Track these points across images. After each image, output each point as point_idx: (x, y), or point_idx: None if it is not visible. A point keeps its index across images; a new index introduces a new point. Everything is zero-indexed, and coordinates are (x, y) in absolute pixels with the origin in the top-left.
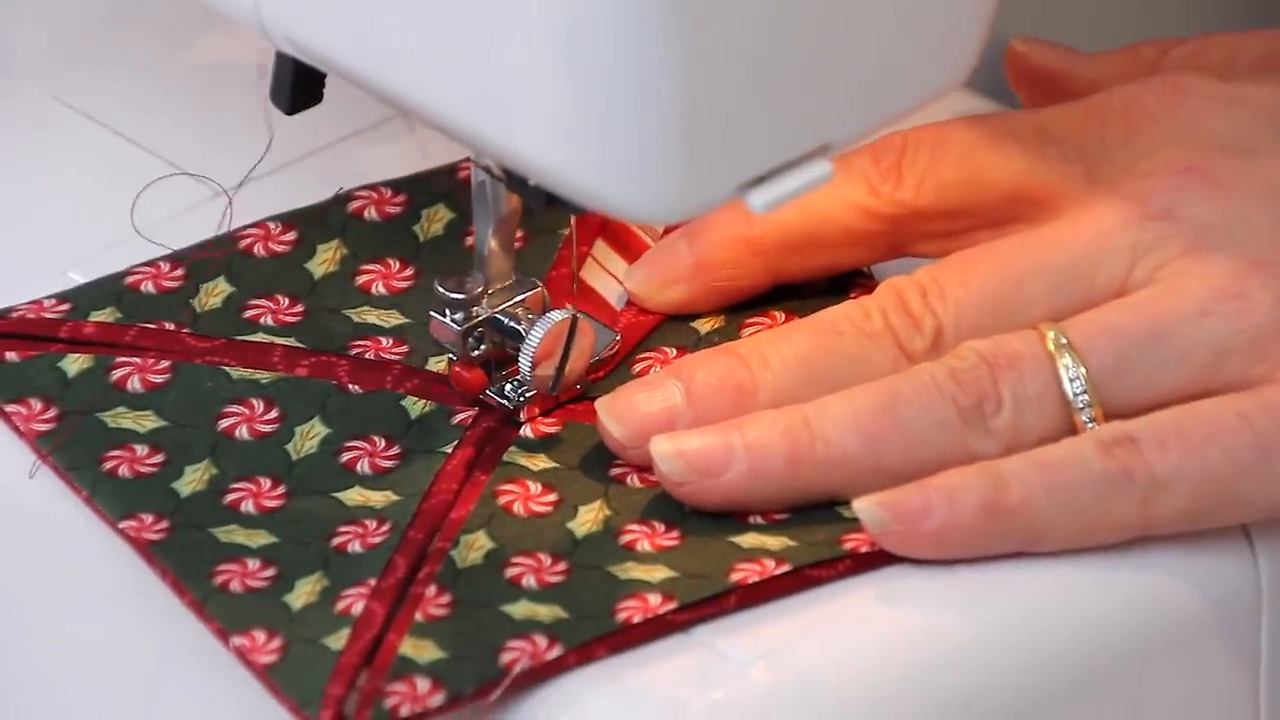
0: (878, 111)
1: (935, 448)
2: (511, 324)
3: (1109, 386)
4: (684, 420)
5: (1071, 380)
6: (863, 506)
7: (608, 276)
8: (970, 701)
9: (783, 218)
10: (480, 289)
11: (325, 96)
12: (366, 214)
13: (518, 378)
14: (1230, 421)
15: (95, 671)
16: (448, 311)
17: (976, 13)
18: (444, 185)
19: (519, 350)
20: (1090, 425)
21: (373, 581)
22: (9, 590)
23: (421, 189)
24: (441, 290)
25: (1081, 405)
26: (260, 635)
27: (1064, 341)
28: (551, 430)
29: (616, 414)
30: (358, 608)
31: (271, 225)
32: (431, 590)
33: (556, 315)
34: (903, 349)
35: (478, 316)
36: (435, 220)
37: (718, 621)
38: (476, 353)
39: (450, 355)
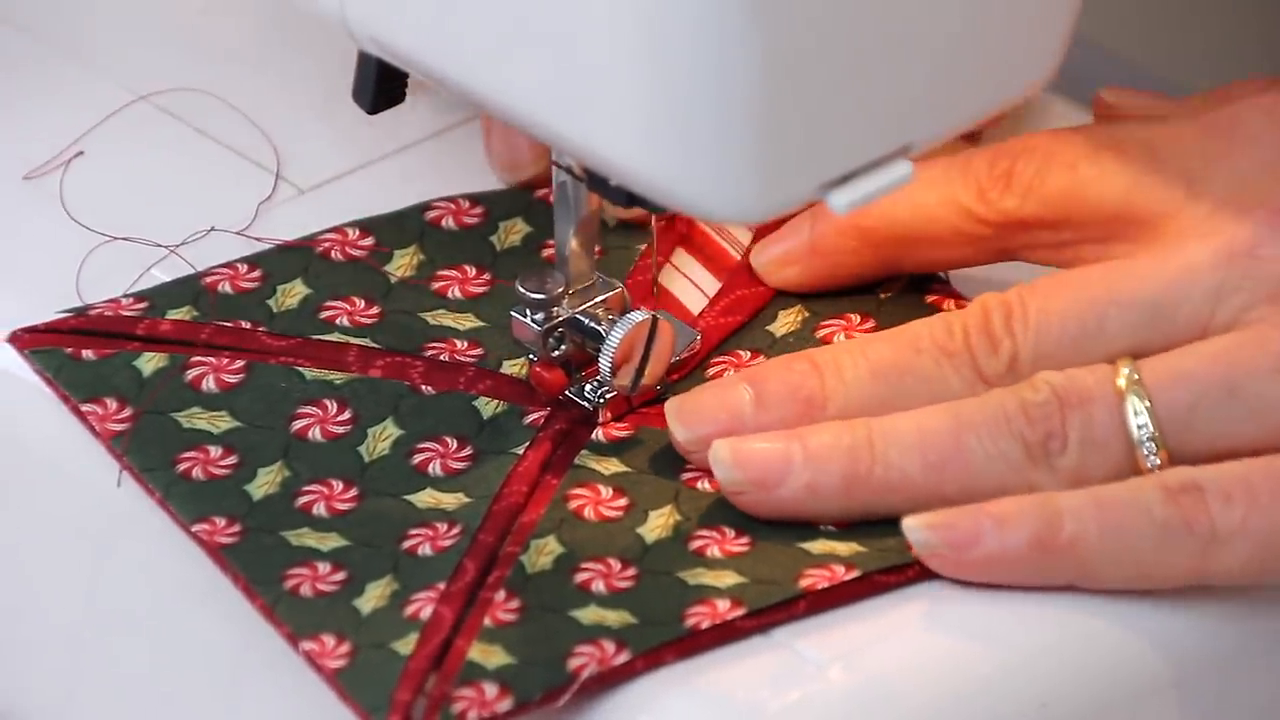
0: (959, 112)
1: (997, 480)
2: (592, 324)
3: (1176, 433)
4: (750, 426)
5: (1139, 425)
6: (911, 526)
7: (686, 282)
8: (1046, 704)
9: (894, 212)
10: (561, 289)
11: (407, 96)
12: (444, 223)
13: (597, 378)
14: None
15: (178, 670)
16: (528, 311)
17: (1059, 15)
18: (522, 201)
19: (599, 350)
20: (1154, 469)
21: (442, 585)
22: (96, 588)
23: (499, 203)
24: (522, 290)
25: (1147, 449)
26: (329, 640)
27: (1136, 379)
28: (624, 434)
29: (683, 417)
30: (426, 612)
31: (349, 230)
32: (501, 595)
33: (637, 316)
34: (979, 372)
35: (558, 317)
36: (512, 232)
37: (796, 623)
38: (557, 353)
39: (530, 355)
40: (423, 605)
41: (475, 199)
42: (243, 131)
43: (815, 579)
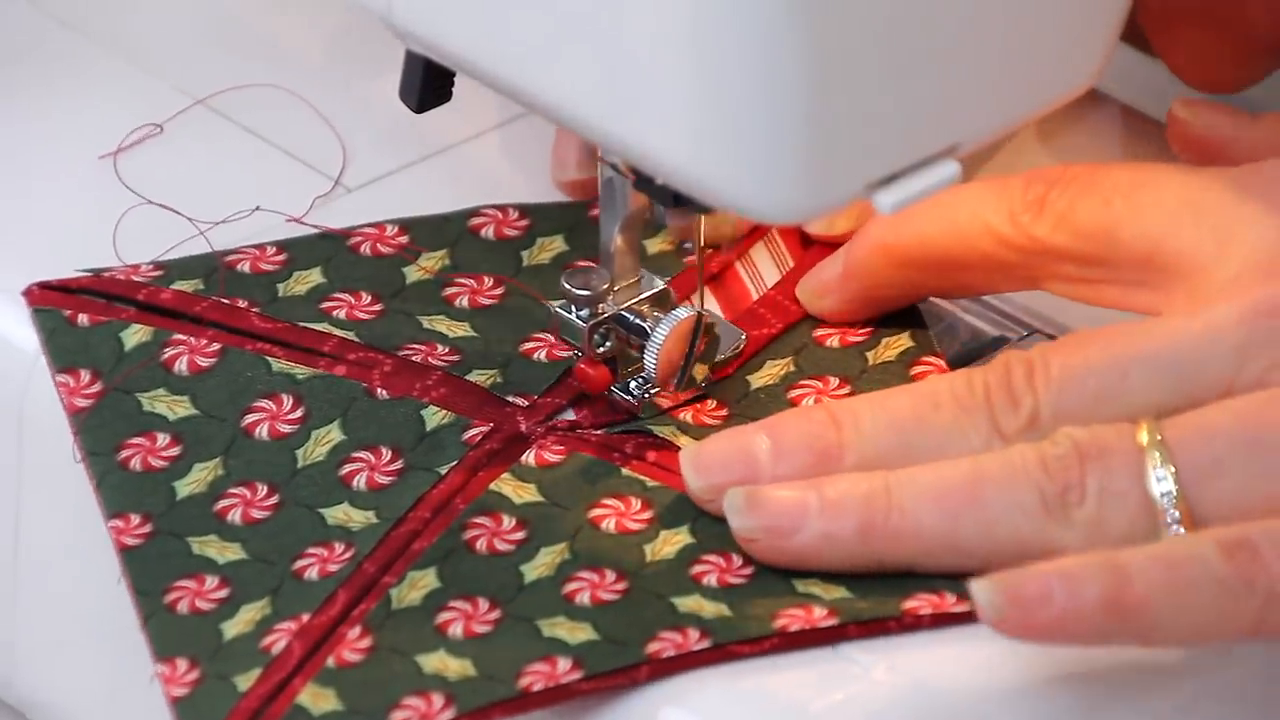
0: (1006, 112)
1: (1014, 532)
2: (637, 321)
3: (1198, 490)
4: (766, 476)
5: (1159, 479)
6: (979, 588)
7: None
8: (1092, 709)
9: (923, 231)
10: (606, 286)
11: (454, 94)
12: (483, 232)
13: (642, 375)
14: None
15: None
16: (574, 307)
17: (1105, 16)
18: (570, 218)
19: (644, 347)
20: (1174, 528)
21: (306, 617)
22: None
23: (546, 218)
24: (568, 286)
25: (1167, 505)
26: (182, 664)
27: (1158, 438)
28: (554, 459)
29: (698, 465)
30: (279, 646)
31: (388, 227)
32: (355, 632)
33: (681, 313)
34: (997, 428)
35: (604, 313)
36: (546, 250)
37: None
38: (602, 349)
39: (576, 352)
40: (280, 638)
41: (524, 210)
42: (305, 130)
43: (665, 644)
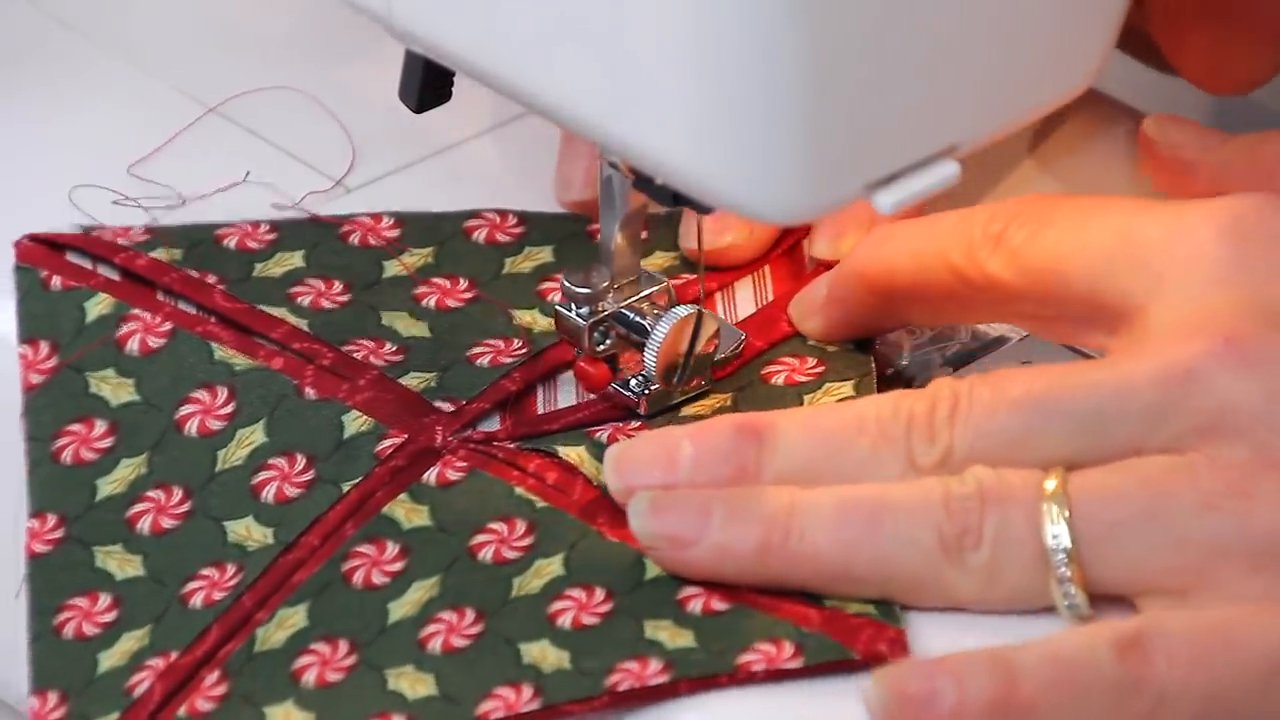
0: (1004, 112)
1: (908, 567)
2: (637, 319)
3: (1093, 552)
4: (683, 483)
5: (1055, 535)
6: (868, 690)
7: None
8: None
9: (894, 260)
10: (606, 283)
11: (453, 94)
12: (475, 235)
13: (643, 372)
14: (1244, 639)
15: None
16: (574, 305)
17: (1103, 16)
18: (564, 230)
19: (644, 345)
20: (1065, 585)
21: (175, 655)
22: None
23: (541, 228)
24: (568, 284)
25: (1059, 559)
26: (52, 698)
27: (1061, 489)
28: (455, 477)
29: (619, 466)
30: (142, 688)
31: (384, 218)
32: (213, 677)
33: (681, 310)
34: (912, 461)
35: (603, 311)
36: (531, 259)
37: None
38: (601, 347)
39: (576, 350)
40: (145, 678)
41: (523, 217)
42: (309, 131)
43: (497, 703)
